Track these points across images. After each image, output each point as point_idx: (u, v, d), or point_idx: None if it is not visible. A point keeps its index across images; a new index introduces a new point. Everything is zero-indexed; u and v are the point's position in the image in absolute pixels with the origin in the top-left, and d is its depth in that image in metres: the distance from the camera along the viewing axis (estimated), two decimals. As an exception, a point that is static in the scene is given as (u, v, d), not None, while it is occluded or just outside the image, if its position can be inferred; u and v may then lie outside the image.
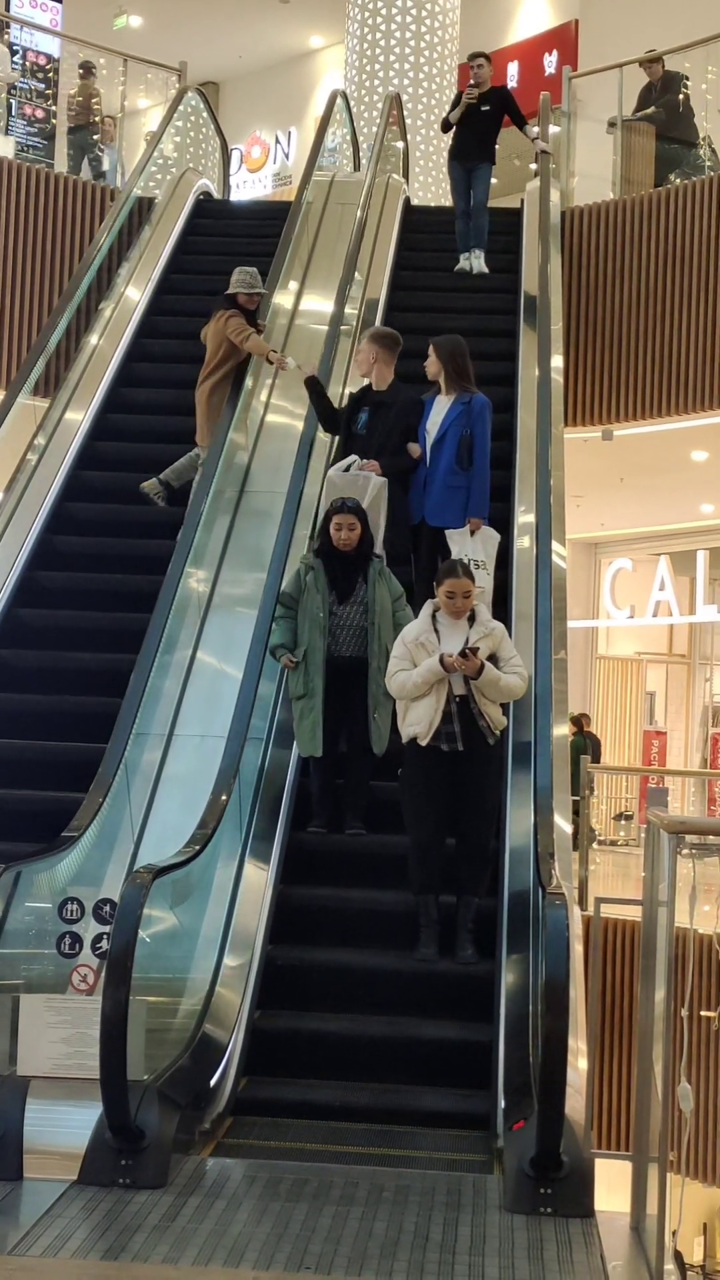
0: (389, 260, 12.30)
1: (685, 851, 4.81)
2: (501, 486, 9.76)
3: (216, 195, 14.68)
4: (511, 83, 22.78)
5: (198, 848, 6.10)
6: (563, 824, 6.90)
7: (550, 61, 22.16)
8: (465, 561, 7.40)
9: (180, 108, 14.43)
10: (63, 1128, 5.33)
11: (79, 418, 10.69)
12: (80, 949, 6.03)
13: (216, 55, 23.37)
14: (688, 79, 14.29)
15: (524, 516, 9.17)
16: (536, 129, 12.90)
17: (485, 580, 8.04)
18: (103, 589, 9.44)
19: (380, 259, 12.20)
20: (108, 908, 6.06)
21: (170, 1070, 5.67)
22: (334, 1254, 4.65)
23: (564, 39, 22.24)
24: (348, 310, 10.68)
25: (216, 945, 6.63)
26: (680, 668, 20.70)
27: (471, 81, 12.61)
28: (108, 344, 11.50)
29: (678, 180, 13.31)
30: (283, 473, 9.11)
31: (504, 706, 7.10)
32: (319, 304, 11.19)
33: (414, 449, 8.53)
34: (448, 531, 8.31)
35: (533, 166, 14.44)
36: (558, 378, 10.28)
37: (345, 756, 7.60)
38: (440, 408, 8.57)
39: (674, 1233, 4.96)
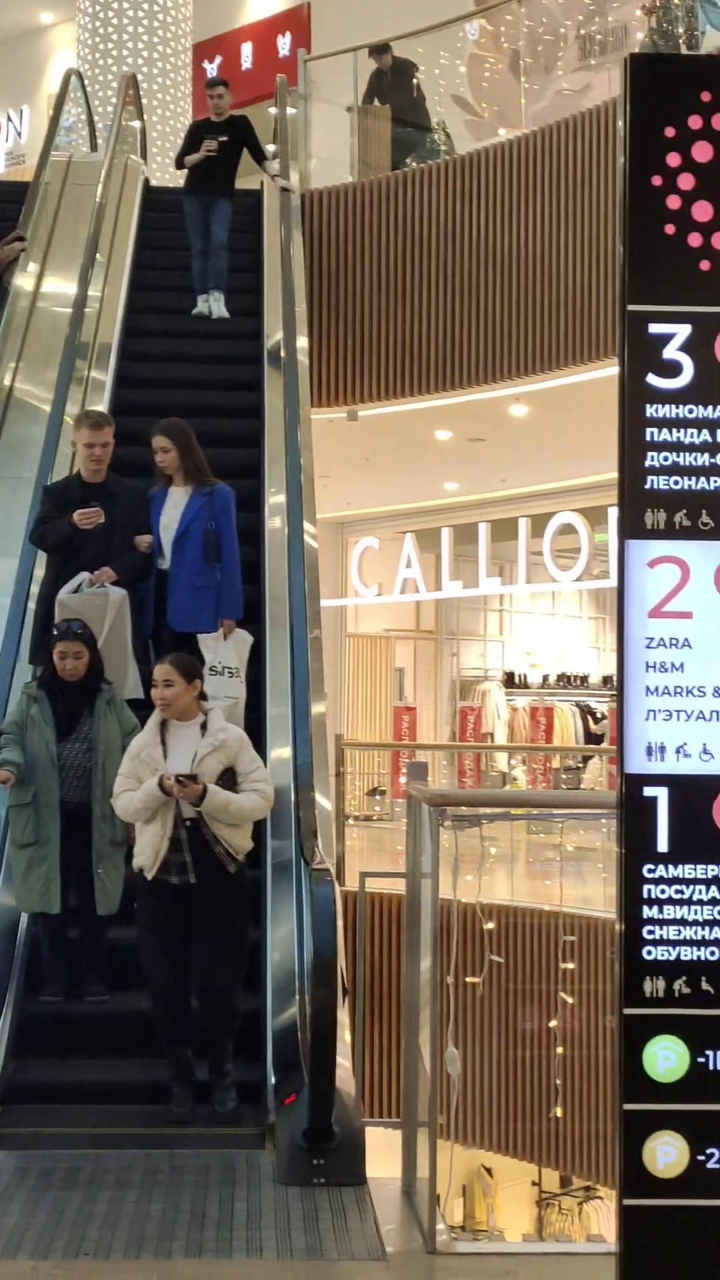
0: (131, 241, 12.20)
1: (446, 824, 4.93)
2: (251, 465, 9.83)
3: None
4: (245, 64, 22.81)
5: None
6: (323, 801, 7.00)
7: (284, 43, 22.22)
8: (217, 666, 7.21)
9: None
10: None
11: None
12: None
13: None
14: (420, 67, 14.49)
15: (274, 497, 9.23)
16: (276, 165, 12.13)
17: (239, 689, 7.44)
18: None
19: (122, 240, 12.10)
20: None
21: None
22: (111, 1238, 4.68)
23: (297, 21, 22.32)
24: (91, 292, 10.58)
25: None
26: (428, 643, 21.05)
27: (208, 135, 11.47)
28: None
29: (414, 164, 13.50)
30: (30, 457, 9.01)
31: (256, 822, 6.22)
32: (61, 286, 11.05)
33: (144, 541, 7.57)
34: (200, 637, 7.49)
35: (271, 147, 14.50)
36: (303, 359, 10.37)
37: (76, 912, 6.59)
38: (176, 500, 7.71)
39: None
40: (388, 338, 12.85)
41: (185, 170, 11.69)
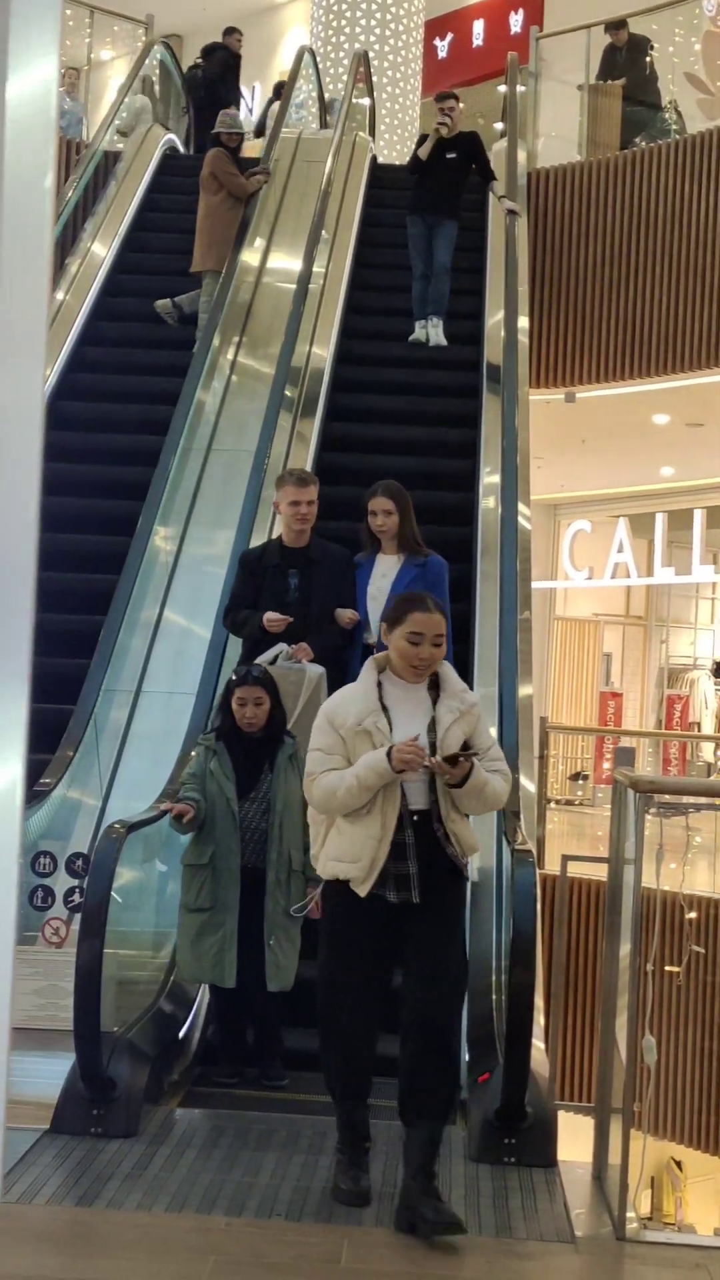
0: (356, 218, 12.29)
1: (652, 811, 4.89)
2: (467, 444, 9.84)
3: (182, 151, 14.61)
4: (477, 41, 22.74)
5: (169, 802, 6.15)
6: (527, 783, 7.00)
7: (516, 20, 22.08)
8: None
9: (147, 61, 14.34)
10: (35, 1078, 5.40)
11: (46, 374, 10.64)
12: (52, 902, 6.09)
13: (181, 8, 23.10)
14: (654, 44, 14.30)
15: (489, 477, 9.23)
16: (503, 188, 11.44)
17: None
18: (67, 549, 9.31)
19: (348, 217, 12.19)
20: (80, 861, 6.12)
21: (140, 1022, 5.75)
22: (303, 1201, 4.75)
23: (530, -3, 22.19)
24: (315, 268, 10.69)
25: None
26: (637, 629, 20.83)
27: (441, 119, 11.13)
28: (74, 300, 11.48)
29: (643, 144, 13.33)
30: (250, 431, 9.15)
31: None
32: (286, 262, 11.19)
33: (346, 616, 6.89)
34: None
35: (499, 126, 14.45)
36: (524, 339, 10.35)
37: (245, 987, 5.92)
38: (386, 571, 6.97)
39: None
40: (609, 319, 12.73)
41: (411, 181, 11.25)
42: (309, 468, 9.34)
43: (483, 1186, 4.95)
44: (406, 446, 10.01)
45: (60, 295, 11.34)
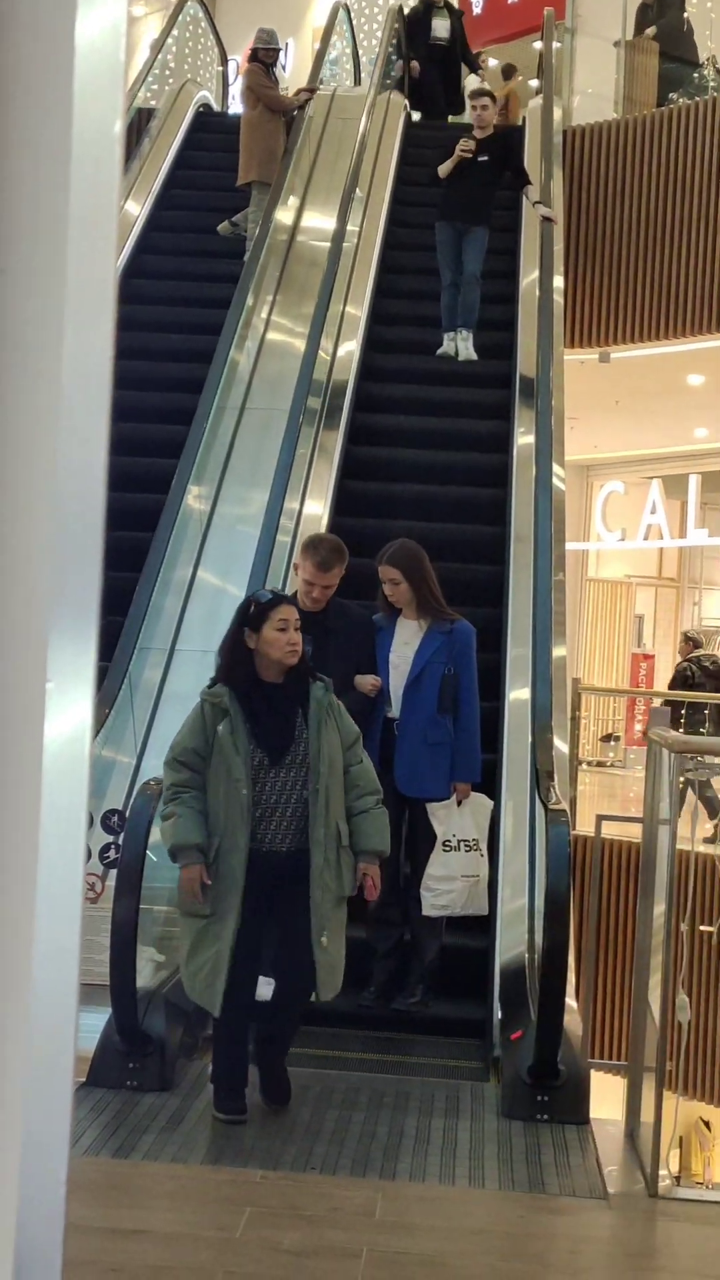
0: (390, 176, 12.22)
1: (687, 770, 4.89)
2: (501, 405, 9.81)
3: (216, 108, 14.55)
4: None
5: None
6: (560, 744, 7.00)
7: (552, -25, 21.85)
8: (451, 841, 6.11)
9: (180, 17, 14.27)
10: (71, 1031, 5.44)
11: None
12: (88, 858, 6.12)
13: (214, -38, 23.02)
14: (692, -2, 14.18)
15: (523, 438, 9.20)
16: (538, 193, 10.70)
17: (480, 865, 6.18)
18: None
19: (382, 175, 12.13)
20: (115, 818, 6.16)
21: (175, 977, 5.78)
22: (338, 1155, 4.79)
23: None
24: (349, 227, 10.64)
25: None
26: (669, 591, 20.77)
27: (472, 131, 10.40)
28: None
29: (680, 100, 13.21)
30: (284, 389, 9.13)
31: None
32: (320, 221, 11.14)
33: (369, 682, 6.24)
34: (430, 806, 6.20)
35: (534, 83, 14.33)
36: (558, 299, 10.28)
37: (266, 1005, 5.15)
38: (409, 636, 6.38)
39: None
40: (645, 279, 12.65)
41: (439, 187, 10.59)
42: (341, 428, 9.33)
43: (515, 1143, 4.99)
44: (439, 407, 9.98)
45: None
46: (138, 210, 12.09)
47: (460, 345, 10.29)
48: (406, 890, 6.24)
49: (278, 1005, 5.14)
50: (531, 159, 12.08)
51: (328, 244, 10.40)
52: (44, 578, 0.78)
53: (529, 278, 10.61)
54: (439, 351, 10.36)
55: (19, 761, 0.79)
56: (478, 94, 10.79)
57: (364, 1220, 4.23)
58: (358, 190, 11.05)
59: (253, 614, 5.03)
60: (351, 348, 10.04)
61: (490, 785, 6.70)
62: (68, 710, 0.78)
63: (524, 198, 10.85)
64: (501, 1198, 4.54)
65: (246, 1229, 4.17)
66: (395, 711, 6.28)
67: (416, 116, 13.81)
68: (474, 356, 10.30)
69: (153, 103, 13.62)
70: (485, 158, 10.31)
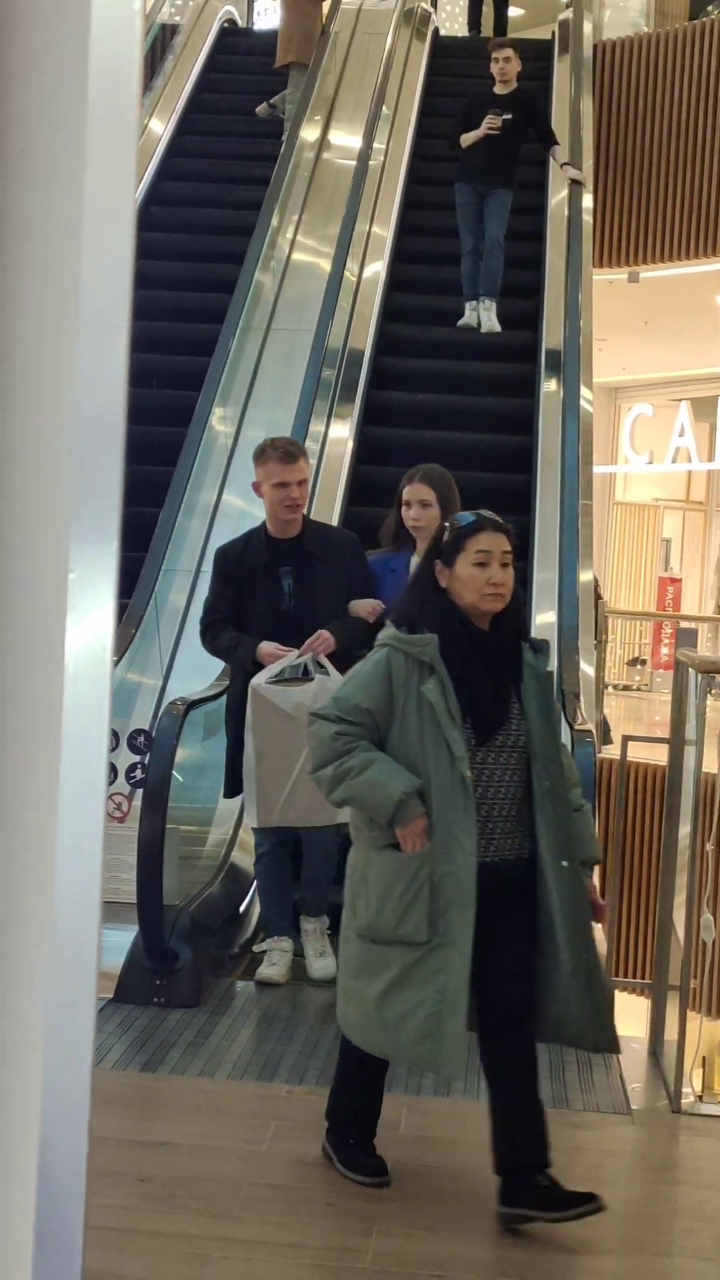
0: (418, 93, 12.06)
1: (715, 691, 4.88)
2: (527, 319, 9.69)
3: (241, 23, 14.35)
4: None
5: (227, 682, 6.19)
6: (586, 667, 7.00)
7: None
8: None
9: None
10: (99, 949, 5.50)
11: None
12: (114, 777, 6.16)
13: None
14: None
15: (552, 321, 9.12)
16: (565, 151, 10.24)
17: None
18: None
19: (409, 92, 11.97)
20: (141, 738, 6.18)
21: (201, 896, 5.83)
22: (363, 1071, 4.82)
23: None
24: (376, 145, 10.52)
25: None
26: (697, 515, 20.69)
27: (492, 109, 9.71)
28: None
29: (715, 13, 12.99)
30: (309, 312, 9.07)
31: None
32: (346, 138, 11.01)
33: (367, 606, 5.44)
34: None
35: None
36: (587, 218, 10.17)
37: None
38: None
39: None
40: (675, 197, 12.50)
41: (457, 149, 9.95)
42: (369, 347, 9.26)
43: (540, 1059, 5.02)
44: (468, 328, 9.87)
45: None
46: (161, 130, 11.96)
47: (483, 315, 9.72)
48: None
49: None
50: (560, 74, 11.91)
51: (353, 162, 10.28)
52: (66, 469, 0.78)
53: (558, 196, 10.45)
54: (460, 323, 9.79)
55: (43, 655, 0.78)
56: (500, 45, 10.09)
57: (389, 1134, 4.27)
58: (384, 108, 10.92)
59: (447, 541, 3.84)
60: (378, 268, 9.95)
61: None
62: (90, 600, 0.77)
63: (550, 159, 10.31)
64: (525, 1113, 4.57)
65: (272, 1142, 4.22)
66: None
67: (444, 30, 13.62)
68: (497, 328, 9.70)
69: (177, 19, 13.44)
70: (508, 115, 9.68)
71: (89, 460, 0.78)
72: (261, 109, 12.08)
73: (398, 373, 9.43)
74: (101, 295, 0.78)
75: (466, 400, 9.18)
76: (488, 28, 13.68)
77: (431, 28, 13.29)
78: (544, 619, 7.41)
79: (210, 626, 5.55)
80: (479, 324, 9.70)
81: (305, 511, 5.64)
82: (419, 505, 5.37)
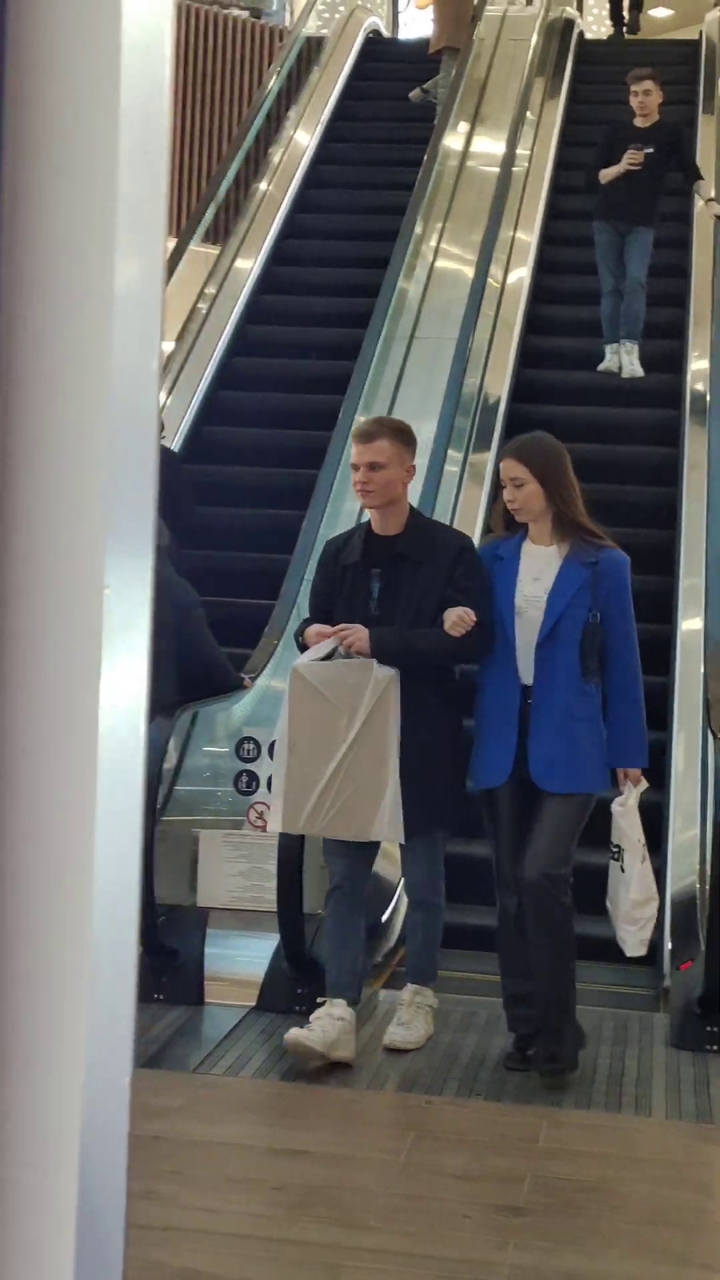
0: (562, 97, 11.99)
1: None
2: (674, 325, 9.55)
3: (386, 34, 14.40)
4: None
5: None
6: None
7: None
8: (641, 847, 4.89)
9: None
10: (241, 957, 5.54)
11: (249, 266, 10.63)
12: (256, 787, 6.20)
13: None
14: None
15: (698, 362, 8.98)
16: (711, 190, 9.59)
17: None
18: (269, 445, 9.39)
19: (554, 96, 11.90)
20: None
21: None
22: (503, 1082, 4.80)
23: None
24: (519, 151, 10.48)
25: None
26: None
27: (632, 145, 9.15)
28: (277, 190, 11.42)
29: None
30: (452, 319, 9.06)
31: None
32: (490, 145, 10.98)
33: (450, 616, 4.78)
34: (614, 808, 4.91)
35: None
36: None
37: None
38: (538, 570, 4.83)
39: None
40: None
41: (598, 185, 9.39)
42: (513, 345, 9.18)
43: (684, 1073, 4.95)
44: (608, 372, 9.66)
45: (263, 186, 11.29)
46: (307, 141, 12.04)
47: (625, 359, 9.21)
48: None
49: None
50: (707, 74, 11.76)
51: (497, 169, 10.23)
52: (100, 482, 0.78)
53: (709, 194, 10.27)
54: (600, 367, 9.29)
55: (78, 670, 0.79)
56: (639, 77, 9.41)
57: (528, 1146, 4.24)
58: (529, 113, 10.87)
59: None
60: (522, 274, 9.89)
61: (660, 714, 6.57)
62: (125, 615, 0.78)
63: (695, 194, 9.64)
64: (667, 1127, 4.51)
65: (410, 1152, 4.21)
66: (526, 677, 4.78)
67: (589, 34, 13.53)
68: (640, 373, 9.19)
69: (324, 31, 13.52)
70: (650, 149, 9.12)
71: (123, 476, 0.79)
72: (415, 94, 12.35)
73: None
74: (135, 313, 0.79)
75: (615, 380, 9.07)
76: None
77: (576, 32, 13.21)
78: (689, 625, 7.25)
79: (303, 626, 5.16)
80: (620, 368, 9.25)
81: (408, 505, 5.08)
82: (511, 485, 4.80)
